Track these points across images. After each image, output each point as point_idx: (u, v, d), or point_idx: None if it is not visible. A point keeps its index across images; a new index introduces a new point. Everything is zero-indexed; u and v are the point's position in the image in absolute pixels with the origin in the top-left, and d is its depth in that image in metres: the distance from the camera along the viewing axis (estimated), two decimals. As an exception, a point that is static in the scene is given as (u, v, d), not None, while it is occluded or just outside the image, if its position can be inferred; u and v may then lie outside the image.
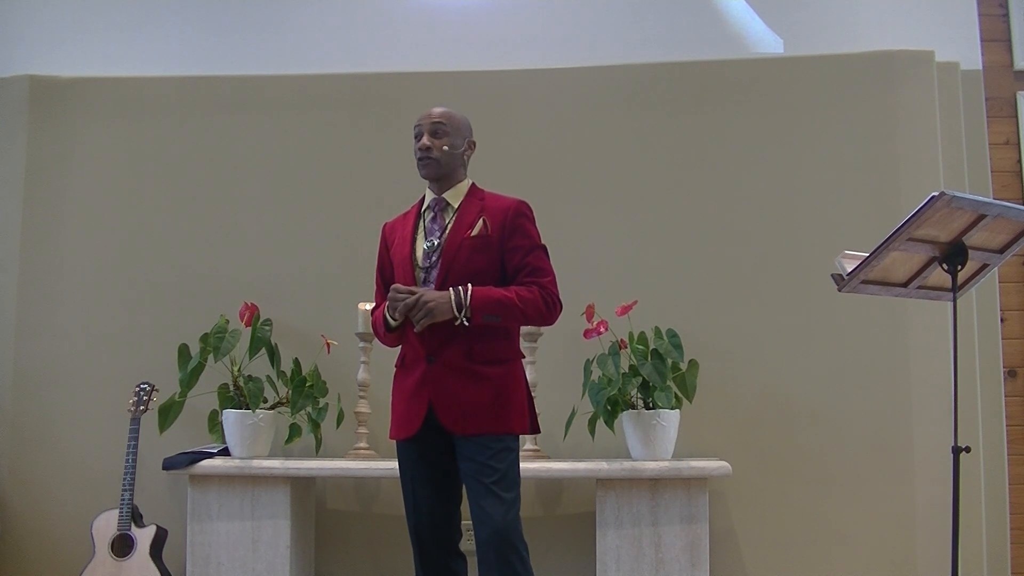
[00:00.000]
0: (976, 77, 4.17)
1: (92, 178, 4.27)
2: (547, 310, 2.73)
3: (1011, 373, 4.12)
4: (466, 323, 2.63)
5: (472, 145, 2.86)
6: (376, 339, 2.95)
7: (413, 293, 2.65)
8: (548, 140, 4.19)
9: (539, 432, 2.92)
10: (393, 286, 2.70)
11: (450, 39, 4.34)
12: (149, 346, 4.09)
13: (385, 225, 2.93)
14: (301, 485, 3.79)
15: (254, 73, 4.29)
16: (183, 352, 3.86)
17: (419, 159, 2.79)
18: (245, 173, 4.25)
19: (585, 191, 4.14)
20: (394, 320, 2.73)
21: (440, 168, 2.78)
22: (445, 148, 2.76)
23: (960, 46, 4.16)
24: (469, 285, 2.65)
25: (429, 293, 2.65)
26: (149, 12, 4.45)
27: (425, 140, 2.77)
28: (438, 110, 2.81)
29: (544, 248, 2.80)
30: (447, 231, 2.76)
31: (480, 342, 2.68)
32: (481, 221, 2.74)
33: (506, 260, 2.74)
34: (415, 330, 2.68)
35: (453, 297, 2.64)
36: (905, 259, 2.76)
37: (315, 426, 3.83)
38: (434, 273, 2.72)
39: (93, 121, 4.29)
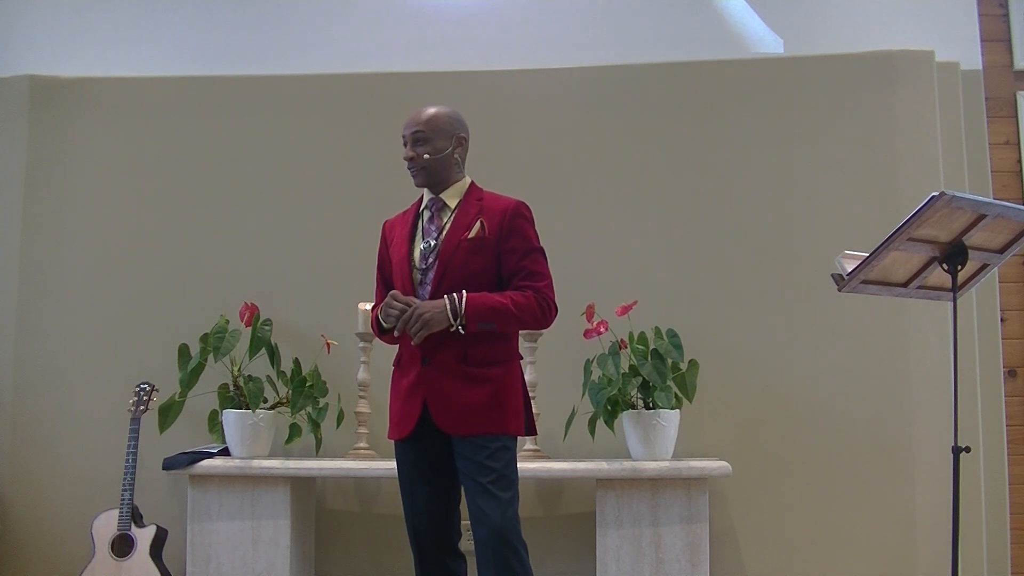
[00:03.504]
0: (976, 77, 4.17)
1: (92, 178, 4.27)
2: (542, 315, 2.72)
3: (1011, 373, 4.12)
4: (461, 331, 2.62)
5: (462, 141, 2.81)
6: (376, 338, 2.94)
7: (409, 305, 2.63)
8: (548, 140, 4.18)
9: (535, 434, 2.93)
10: (391, 293, 2.68)
11: (450, 39, 4.34)
12: (149, 346, 4.09)
13: (385, 223, 2.92)
14: (301, 485, 3.79)
15: (254, 73, 4.29)
16: (183, 352, 3.86)
17: (408, 169, 2.80)
18: (245, 173, 4.25)
19: (585, 191, 4.14)
20: (386, 323, 2.72)
21: (429, 175, 2.77)
22: (427, 156, 2.75)
23: (960, 46, 4.16)
24: (464, 292, 2.64)
25: (424, 304, 2.63)
26: (149, 12, 4.45)
27: (408, 151, 2.77)
28: (417, 117, 2.78)
29: (541, 251, 2.77)
30: (444, 232, 2.74)
31: (475, 345, 2.67)
32: (479, 223, 2.72)
33: (502, 262, 2.72)
34: (412, 343, 2.66)
35: (448, 306, 2.62)
36: (905, 259, 2.76)
37: (315, 426, 3.83)
38: (431, 274, 2.71)
39: (93, 121, 4.29)
